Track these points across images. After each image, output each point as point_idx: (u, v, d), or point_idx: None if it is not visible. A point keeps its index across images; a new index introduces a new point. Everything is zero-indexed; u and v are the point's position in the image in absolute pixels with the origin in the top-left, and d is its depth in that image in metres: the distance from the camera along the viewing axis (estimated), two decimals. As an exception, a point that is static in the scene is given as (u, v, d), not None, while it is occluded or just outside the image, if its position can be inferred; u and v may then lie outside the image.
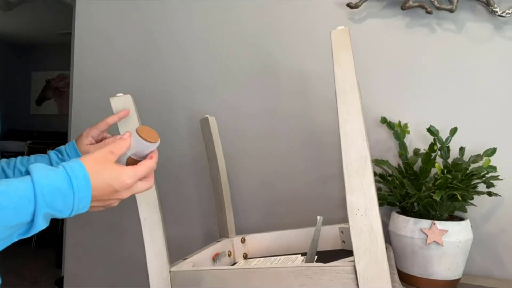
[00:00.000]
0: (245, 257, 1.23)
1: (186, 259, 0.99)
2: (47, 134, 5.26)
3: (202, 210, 1.58)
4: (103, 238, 1.71)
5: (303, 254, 1.13)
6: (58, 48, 5.44)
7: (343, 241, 1.18)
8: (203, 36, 1.61)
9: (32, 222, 0.58)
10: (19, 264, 3.93)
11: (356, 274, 0.72)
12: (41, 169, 0.61)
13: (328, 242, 1.19)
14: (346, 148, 0.73)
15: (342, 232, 1.18)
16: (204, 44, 1.60)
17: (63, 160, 0.97)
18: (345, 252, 1.13)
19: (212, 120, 1.27)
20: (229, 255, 1.19)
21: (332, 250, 1.18)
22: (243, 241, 1.24)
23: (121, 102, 0.93)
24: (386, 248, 0.91)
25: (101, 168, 0.65)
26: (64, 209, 0.61)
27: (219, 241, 1.19)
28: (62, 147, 1.01)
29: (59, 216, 0.62)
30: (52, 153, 0.99)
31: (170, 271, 0.89)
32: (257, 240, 1.24)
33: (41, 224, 0.59)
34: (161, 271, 0.88)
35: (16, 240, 0.60)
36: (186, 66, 1.63)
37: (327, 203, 1.42)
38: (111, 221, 1.70)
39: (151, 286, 0.89)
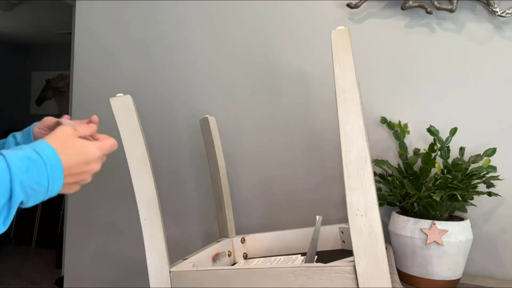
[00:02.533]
0: (245, 257, 1.23)
1: (186, 259, 0.99)
2: (47, 134, 5.23)
3: (202, 210, 1.58)
4: (103, 238, 1.71)
5: (303, 254, 1.13)
6: (58, 48, 5.43)
7: (343, 241, 1.18)
8: (203, 36, 1.61)
9: (10, 195, 0.56)
10: (19, 264, 3.94)
11: (356, 274, 0.72)
12: (7, 149, 0.59)
13: (328, 242, 1.19)
14: (346, 148, 0.73)
15: (342, 232, 1.18)
16: (204, 43, 1.60)
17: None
18: (345, 252, 1.12)
19: (212, 120, 1.27)
20: (229, 255, 1.19)
21: (332, 250, 1.18)
22: (243, 241, 1.24)
23: (121, 102, 0.93)
24: (386, 248, 0.91)
25: (66, 142, 0.63)
26: (40, 178, 0.58)
27: (219, 241, 1.19)
28: (17, 134, 0.92)
29: (39, 188, 0.59)
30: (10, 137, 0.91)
31: (170, 271, 0.89)
32: (257, 240, 1.24)
33: (20, 195, 0.56)
34: (161, 271, 0.88)
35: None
36: (186, 66, 1.63)
37: (327, 203, 1.42)
38: (111, 221, 1.70)
39: (151, 286, 0.89)
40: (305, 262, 0.98)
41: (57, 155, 0.61)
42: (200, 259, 1.02)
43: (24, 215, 4.71)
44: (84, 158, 0.64)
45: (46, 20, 4.39)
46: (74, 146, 0.64)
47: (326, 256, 1.08)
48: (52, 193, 0.62)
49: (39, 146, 0.60)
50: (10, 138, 0.91)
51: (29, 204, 0.60)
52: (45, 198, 0.62)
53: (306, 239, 1.19)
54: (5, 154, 0.57)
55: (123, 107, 0.92)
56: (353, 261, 0.72)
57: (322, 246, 1.18)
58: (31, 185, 0.58)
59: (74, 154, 0.63)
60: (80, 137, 0.67)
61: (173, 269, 0.90)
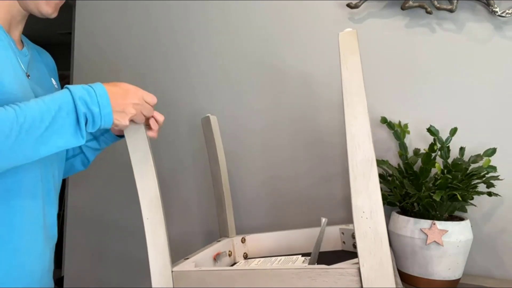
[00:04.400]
0: (245, 257, 1.23)
1: (187, 258, 0.99)
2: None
3: (203, 210, 1.59)
4: (103, 238, 1.71)
5: (304, 254, 1.13)
6: (58, 48, 5.42)
7: (343, 242, 1.18)
8: (205, 35, 1.61)
9: (75, 107, 0.77)
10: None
11: (360, 276, 0.72)
12: None
13: (329, 243, 1.19)
14: (352, 150, 0.73)
15: (342, 233, 1.19)
16: (206, 43, 1.60)
17: None
18: (346, 253, 1.13)
19: (213, 119, 1.27)
20: (229, 255, 1.19)
21: (332, 251, 1.18)
22: (243, 241, 1.24)
23: None
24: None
25: (114, 84, 0.85)
26: (91, 101, 0.79)
27: (219, 240, 1.19)
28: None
29: (93, 108, 0.78)
30: None
31: (172, 271, 0.89)
32: (257, 240, 1.24)
33: (82, 113, 0.77)
34: (163, 271, 0.88)
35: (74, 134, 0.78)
36: (187, 65, 1.63)
37: (328, 204, 1.42)
38: (111, 221, 1.70)
39: (153, 285, 0.89)
40: (308, 263, 0.98)
41: (105, 89, 0.81)
42: (201, 259, 1.02)
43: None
44: (122, 91, 0.84)
45: (46, 20, 4.39)
46: (118, 85, 0.85)
47: (327, 257, 1.08)
48: (107, 117, 0.80)
49: (95, 84, 0.82)
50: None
51: (92, 126, 0.80)
52: (102, 123, 0.81)
53: (306, 240, 1.19)
54: (69, 87, 0.80)
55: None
56: (358, 263, 0.72)
57: (323, 247, 1.18)
58: (88, 105, 0.78)
59: (116, 88, 0.83)
60: None
61: (175, 268, 0.90)
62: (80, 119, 0.77)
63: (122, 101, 0.83)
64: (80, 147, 1.12)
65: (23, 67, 0.93)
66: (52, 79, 1.07)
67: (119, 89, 0.84)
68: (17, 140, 0.71)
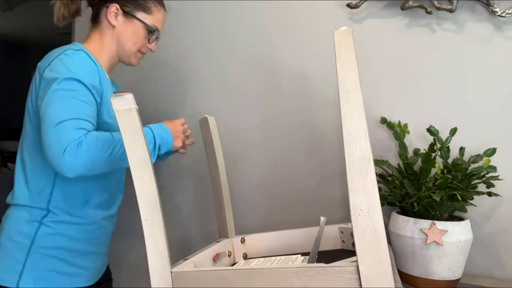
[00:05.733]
0: (245, 257, 1.23)
1: (186, 259, 0.99)
2: (46, 134, 5.22)
3: (202, 210, 1.58)
4: (103, 238, 1.71)
5: (303, 254, 1.13)
6: (58, 48, 5.43)
7: (343, 241, 1.18)
8: (203, 36, 1.61)
9: (155, 142, 1.15)
10: (18, 264, 3.92)
11: (359, 274, 0.72)
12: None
13: (328, 242, 1.19)
14: (349, 148, 0.73)
15: (341, 232, 1.18)
16: (204, 43, 1.60)
17: None
18: (345, 252, 1.13)
19: (211, 120, 1.27)
20: (229, 255, 1.19)
21: (332, 250, 1.18)
22: (242, 241, 1.24)
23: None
24: (387, 248, 0.91)
25: (168, 123, 1.23)
26: (164, 134, 1.18)
27: (219, 241, 1.19)
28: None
29: (165, 136, 1.18)
30: None
31: (171, 272, 0.88)
32: (256, 240, 1.24)
33: (158, 140, 1.15)
34: (162, 272, 0.88)
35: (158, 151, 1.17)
36: (186, 65, 1.63)
37: (327, 203, 1.42)
38: (111, 221, 1.69)
39: (152, 286, 0.88)
40: (308, 262, 0.98)
41: (164, 125, 1.20)
42: (201, 259, 1.02)
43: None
44: (173, 127, 1.22)
45: (46, 20, 4.39)
46: (169, 122, 1.23)
47: (326, 256, 1.08)
48: (169, 143, 1.19)
49: (161, 124, 1.20)
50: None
51: (162, 150, 1.18)
52: (168, 147, 1.20)
53: (305, 239, 1.19)
54: (150, 126, 1.17)
55: (124, 106, 0.92)
56: (356, 261, 0.72)
57: (322, 246, 1.18)
58: (162, 136, 1.17)
59: (171, 125, 1.22)
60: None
61: (174, 269, 0.89)
62: (156, 148, 1.15)
63: (174, 130, 1.22)
64: None
65: None
66: None
67: (171, 125, 1.22)
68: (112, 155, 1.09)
